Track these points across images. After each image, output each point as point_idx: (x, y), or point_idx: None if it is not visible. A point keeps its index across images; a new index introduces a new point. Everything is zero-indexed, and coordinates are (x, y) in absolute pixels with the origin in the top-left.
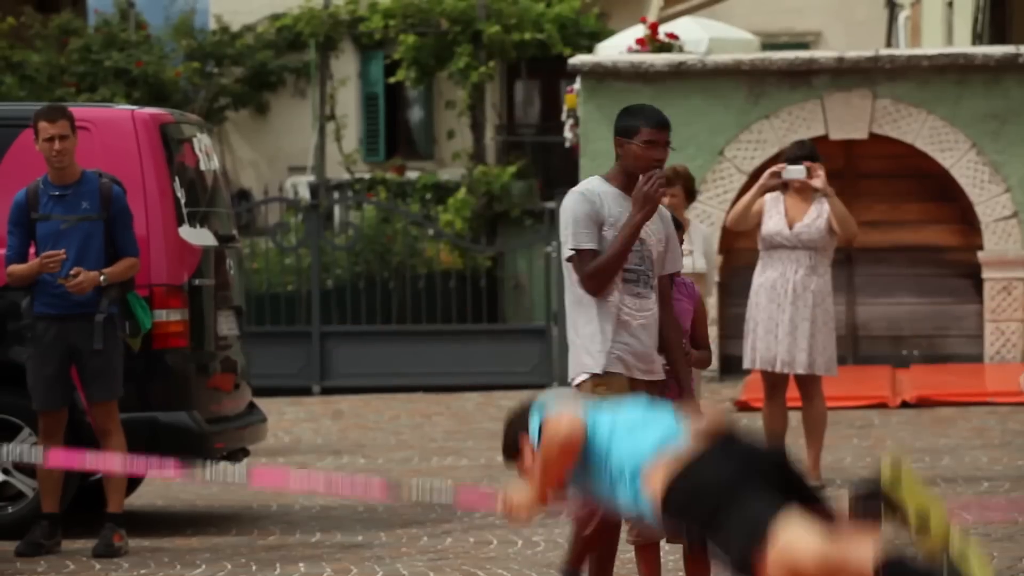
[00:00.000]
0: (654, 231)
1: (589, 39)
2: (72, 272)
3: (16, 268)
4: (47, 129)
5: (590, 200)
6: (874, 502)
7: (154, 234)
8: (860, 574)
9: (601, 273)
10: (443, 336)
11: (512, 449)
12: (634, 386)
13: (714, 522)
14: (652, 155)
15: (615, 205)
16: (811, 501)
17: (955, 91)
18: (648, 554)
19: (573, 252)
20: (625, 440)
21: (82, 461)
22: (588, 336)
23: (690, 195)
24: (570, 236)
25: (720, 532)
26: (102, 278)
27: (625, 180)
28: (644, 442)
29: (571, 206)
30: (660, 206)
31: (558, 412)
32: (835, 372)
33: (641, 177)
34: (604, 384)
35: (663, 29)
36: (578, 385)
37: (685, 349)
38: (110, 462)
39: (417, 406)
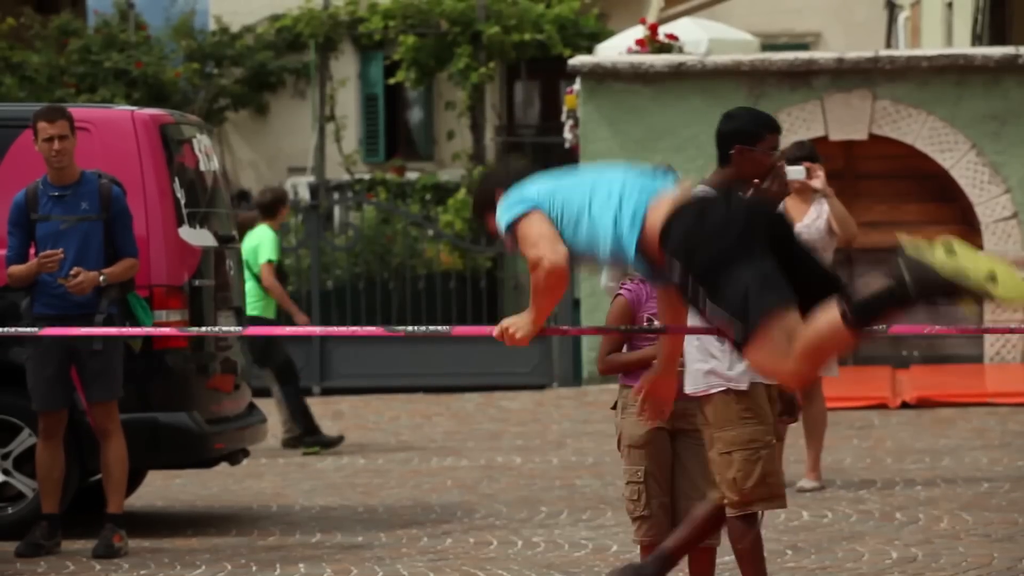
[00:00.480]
0: None
1: (589, 40)
2: (72, 272)
3: (15, 269)
4: (46, 129)
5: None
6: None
7: (154, 235)
8: (840, 342)
9: None
10: (443, 337)
11: (485, 208)
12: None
13: (708, 275)
14: (773, 162)
15: None
16: (800, 256)
17: (955, 92)
18: (699, 557)
19: None
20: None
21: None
22: (722, 351)
23: None
24: None
25: (714, 290)
26: (102, 278)
27: (733, 186)
28: (634, 195)
29: None
30: None
31: (534, 246)
32: (835, 372)
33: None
34: (749, 396)
35: (663, 30)
36: (710, 396)
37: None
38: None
39: (417, 407)
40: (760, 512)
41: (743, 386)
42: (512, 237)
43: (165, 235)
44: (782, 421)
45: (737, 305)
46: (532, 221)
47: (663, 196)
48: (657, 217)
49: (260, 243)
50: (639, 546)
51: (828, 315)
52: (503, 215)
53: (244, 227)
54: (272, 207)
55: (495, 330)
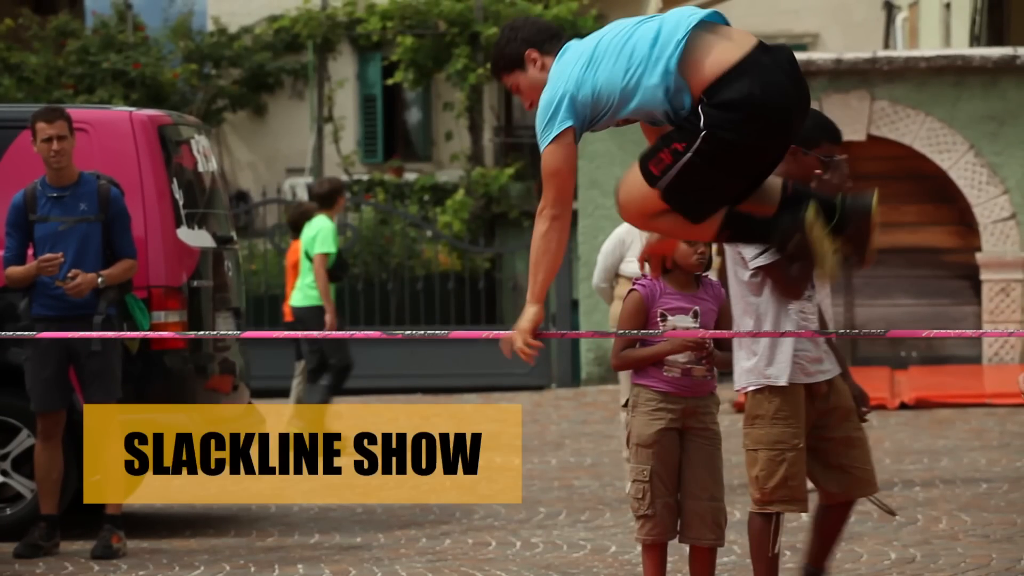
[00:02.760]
0: None
1: None
2: (70, 275)
3: (14, 270)
4: (45, 129)
5: None
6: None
7: (152, 236)
8: (695, 232)
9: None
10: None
11: (512, 66)
12: (816, 388)
13: (704, 155)
14: (823, 169)
15: None
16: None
17: (953, 93)
18: (654, 554)
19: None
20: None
21: None
22: (769, 347)
23: None
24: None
25: (694, 165)
26: (100, 280)
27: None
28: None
29: None
30: None
31: (549, 185)
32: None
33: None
34: (781, 396)
35: None
36: (748, 392)
37: (708, 349)
38: None
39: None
40: (780, 515)
41: (781, 382)
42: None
43: (163, 236)
44: (861, 417)
45: (688, 189)
46: (558, 151)
47: (718, 36)
48: (713, 59)
49: (318, 233)
50: (640, 545)
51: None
52: (542, 127)
53: (303, 218)
54: (330, 197)
55: (505, 347)
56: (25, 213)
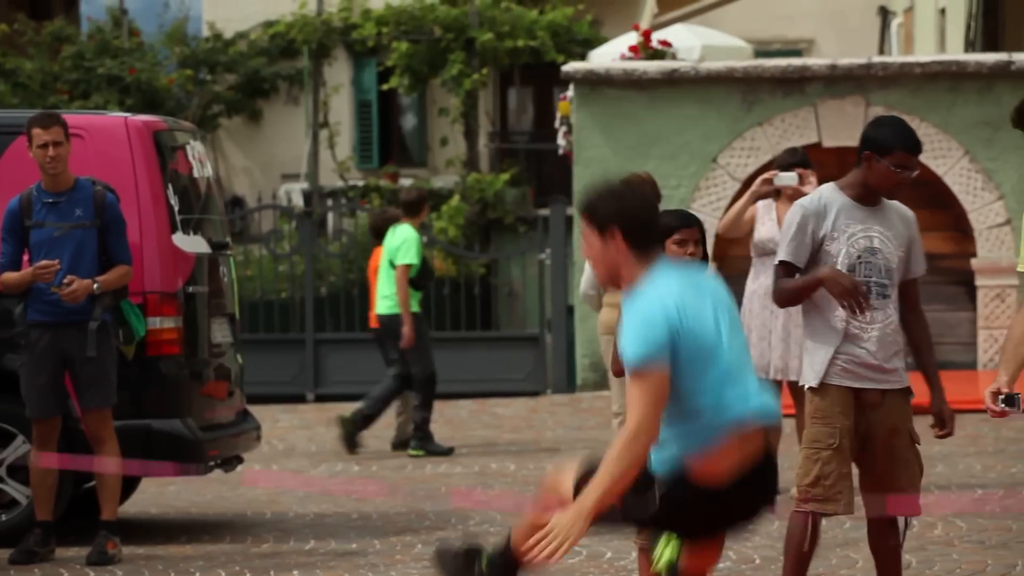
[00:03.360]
0: (892, 237)
1: (582, 46)
2: (65, 281)
3: (9, 276)
4: (40, 135)
5: (812, 211)
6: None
7: (147, 241)
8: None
9: (785, 296)
10: (437, 343)
11: (595, 221)
12: (866, 395)
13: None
14: (900, 179)
15: (844, 216)
16: None
17: (948, 98)
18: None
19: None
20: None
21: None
22: (812, 349)
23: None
24: (782, 244)
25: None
26: (95, 286)
27: (863, 192)
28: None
29: (789, 214)
30: (905, 209)
31: (640, 408)
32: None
33: (846, 290)
34: (820, 395)
35: (656, 36)
36: (807, 391)
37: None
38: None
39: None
40: (816, 514)
41: (812, 383)
42: (624, 364)
43: (159, 242)
44: (937, 433)
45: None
46: (650, 381)
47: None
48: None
49: (403, 243)
50: (637, 549)
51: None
52: (630, 342)
53: (386, 224)
54: (417, 205)
55: (535, 551)
56: (21, 218)
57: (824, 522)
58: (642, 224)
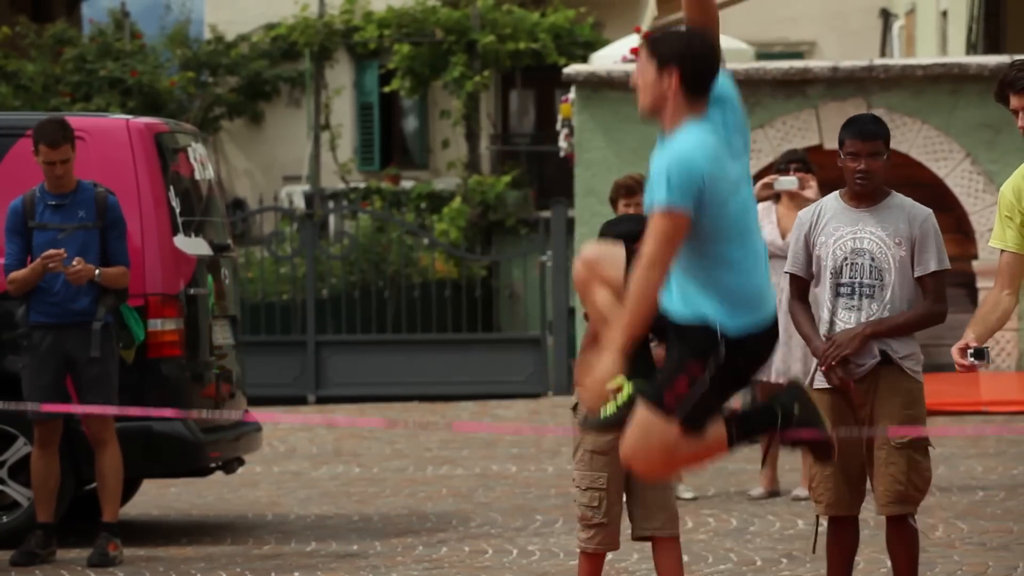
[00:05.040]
0: (886, 237)
1: (584, 48)
2: (74, 262)
3: (17, 273)
4: (49, 154)
5: (806, 220)
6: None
7: (149, 243)
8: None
9: (792, 318)
10: (438, 345)
11: (658, 59)
12: (851, 396)
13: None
14: (853, 167)
15: (834, 220)
16: None
17: (949, 101)
18: (596, 563)
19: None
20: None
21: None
22: (806, 353)
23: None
24: (788, 255)
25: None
26: (97, 273)
27: (851, 194)
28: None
29: (794, 224)
30: (918, 205)
31: (656, 247)
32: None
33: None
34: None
35: None
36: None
37: None
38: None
39: (412, 415)
40: (820, 517)
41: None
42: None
43: (160, 244)
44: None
45: (704, 410)
46: (673, 221)
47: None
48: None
49: None
50: (582, 555)
51: (715, 431)
52: (661, 185)
53: None
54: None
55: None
56: (24, 219)
57: (825, 523)
58: (700, 72)
